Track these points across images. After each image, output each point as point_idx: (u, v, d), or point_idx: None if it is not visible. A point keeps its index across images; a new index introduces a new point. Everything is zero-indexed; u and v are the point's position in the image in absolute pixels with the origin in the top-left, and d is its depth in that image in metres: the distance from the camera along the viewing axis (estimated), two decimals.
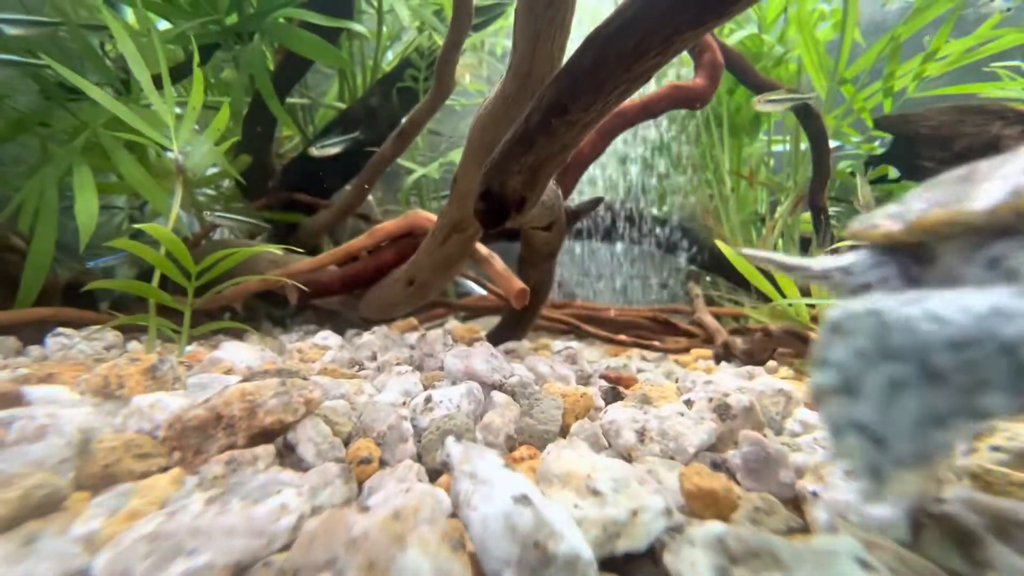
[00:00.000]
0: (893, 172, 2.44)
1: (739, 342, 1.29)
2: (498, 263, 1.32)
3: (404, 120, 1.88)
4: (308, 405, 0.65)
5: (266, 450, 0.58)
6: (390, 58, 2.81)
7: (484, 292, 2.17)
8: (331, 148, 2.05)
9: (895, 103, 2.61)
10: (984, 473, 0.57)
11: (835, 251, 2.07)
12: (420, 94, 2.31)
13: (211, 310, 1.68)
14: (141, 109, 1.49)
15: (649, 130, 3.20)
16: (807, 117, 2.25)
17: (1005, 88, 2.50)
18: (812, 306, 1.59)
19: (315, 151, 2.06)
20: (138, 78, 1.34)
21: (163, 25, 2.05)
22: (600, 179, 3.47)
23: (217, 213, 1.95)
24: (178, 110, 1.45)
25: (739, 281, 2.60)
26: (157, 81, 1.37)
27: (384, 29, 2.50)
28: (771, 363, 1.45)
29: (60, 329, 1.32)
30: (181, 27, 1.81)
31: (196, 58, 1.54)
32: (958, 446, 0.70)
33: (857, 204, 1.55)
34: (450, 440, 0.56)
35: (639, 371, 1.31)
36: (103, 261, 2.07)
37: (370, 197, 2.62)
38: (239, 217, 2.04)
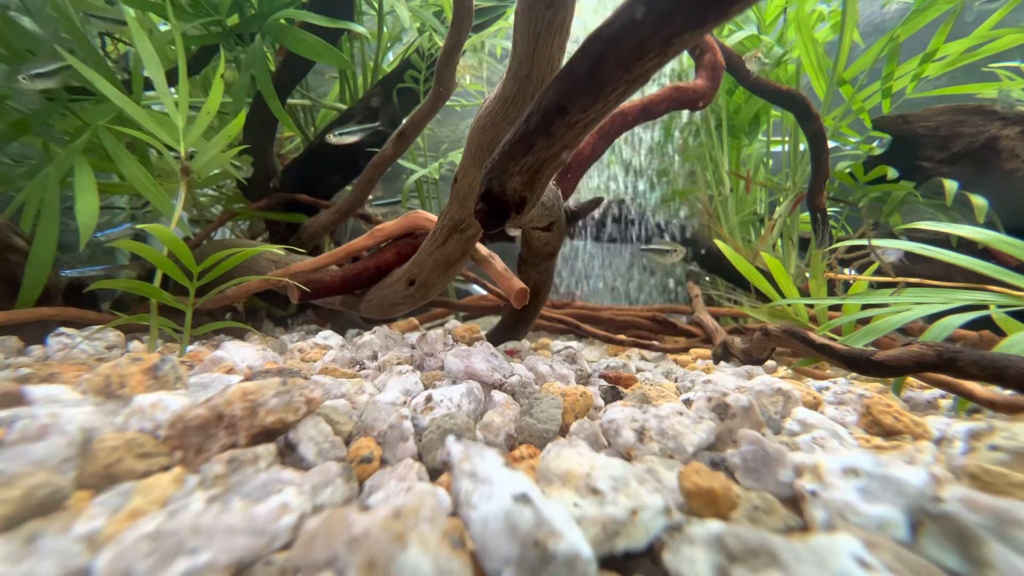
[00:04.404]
0: (892, 172, 2.44)
1: (738, 342, 1.29)
2: (498, 263, 1.32)
3: (404, 121, 1.88)
4: (309, 404, 0.65)
5: (267, 449, 0.58)
6: (391, 59, 2.82)
7: (484, 292, 2.18)
8: (349, 136, 2.05)
9: (893, 103, 2.62)
10: (983, 473, 0.57)
11: (833, 251, 2.07)
12: (421, 95, 2.31)
13: (212, 310, 1.68)
14: (152, 111, 1.50)
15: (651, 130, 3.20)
16: (806, 118, 2.25)
17: (1008, 89, 2.50)
18: (811, 306, 1.60)
19: (333, 138, 2.06)
20: (153, 79, 1.35)
21: (164, 27, 2.06)
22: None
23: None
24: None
25: (738, 281, 2.60)
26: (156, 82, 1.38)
27: (385, 30, 2.51)
28: (770, 363, 1.45)
29: (62, 329, 1.32)
30: (182, 28, 1.81)
31: (221, 65, 1.56)
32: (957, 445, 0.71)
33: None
34: (450, 439, 0.56)
35: (638, 371, 1.32)
36: (91, 270, 2.07)
37: (370, 198, 2.62)
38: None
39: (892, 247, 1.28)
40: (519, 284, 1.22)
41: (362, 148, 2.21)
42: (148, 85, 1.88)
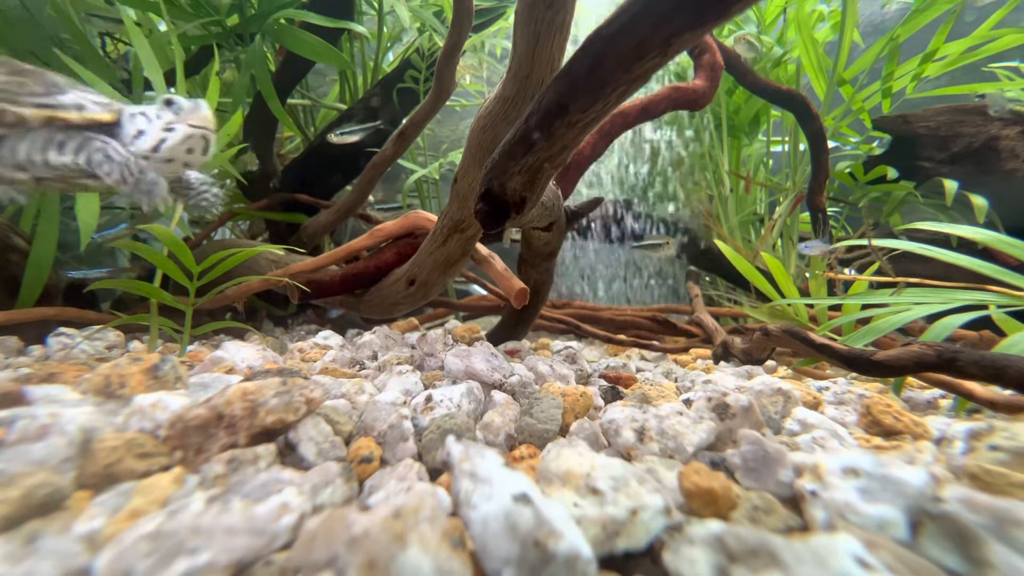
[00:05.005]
0: (892, 172, 2.44)
1: (738, 342, 1.29)
2: (498, 263, 1.32)
3: (404, 121, 1.88)
4: (309, 404, 0.65)
5: (267, 449, 0.58)
6: (391, 59, 2.82)
7: (484, 292, 2.18)
8: (351, 136, 2.05)
9: (893, 103, 2.62)
10: (983, 473, 0.57)
11: (833, 251, 2.07)
12: (421, 95, 2.31)
13: (212, 310, 1.68)
14: None
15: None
16: (806, 118, 2.25)
17: (1003, 89, 2.51)
18: (811, 306, 1.60)
19: (334, 138, 2.06)
20: (151, 80, 1.35)
21: (163, 27, 2.06)
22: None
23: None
24: None
25: (738, 281, 2.60)
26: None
27: (385, 30, 2.51)
28: (770, 363, 1.45)
29: (62, 329, 1.32)
30: (182, 28, 1.81)
31: (216, 64, 1.56)
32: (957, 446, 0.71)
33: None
34: (450, 439, 0.56)
35: (638, 371, 1.32)
36: (95, 272, 2.07)
37: (372, 202, 2.63)
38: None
39: (891, 247, 1.28)
40: (519, 284, 1.22)
41: (362, 148, 2.21)
42: (149, 85, 1.88)
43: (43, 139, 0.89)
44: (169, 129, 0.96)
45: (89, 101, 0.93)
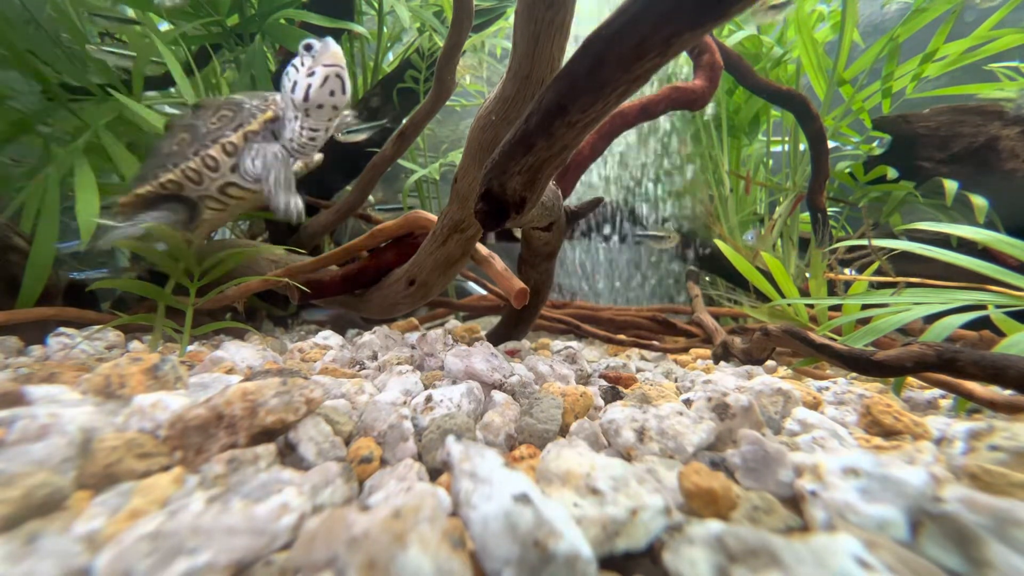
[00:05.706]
0: (892, 172, 2.44)
1: (738, 342, 1.29)
2: (498, 263, 1.32)
3: (404, 121, 1.88)
4: (309, 404, 0.65)
5: (267, 449, 0.58)
6: (391, 59, 2.82)
7: (484, 292, 2.18)
8: (357, 135, 2.04)
9: (893, 104, 2.62)
10: (983, 473, 0.57)
11: (833, 251, 2.07)
12: (421, 95, 2.31)
13: (212, 310, 1.68)
14: (154, 110, 1.50)
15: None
16: (806, 118, 2.25)
17: (1003, 89, 2.51)
18: (811, 306, 1.60)
19: (341, 137, 2.06)
20: (176, 78, 1.37)
21: (164, 26, 2.06)
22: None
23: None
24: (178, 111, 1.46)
25: (738, 281, 2.60)
26: (156, 82, 1.38)
27: (385, 30, 2.51)
28: (770, 363, 1.45)
29: (62, 329, 1.32)
30: (183, 28, 1.81)
31: (215, 65, 1.56)
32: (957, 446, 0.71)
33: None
34: (450, 439, 0.56)
35: (638, 371, 1.32)
36: (94, 273, 2.08)
37: (372, 202, 2.63)
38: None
39: (891, 247, 1.28)
40: (519, 284, 1.22)
41: (362, 148, 2.21)
42: (148, 85, 1.88)
43: (249, 153, 1.08)
44: (311, 74, 1.03)
45: (256, 108, 1.10)
